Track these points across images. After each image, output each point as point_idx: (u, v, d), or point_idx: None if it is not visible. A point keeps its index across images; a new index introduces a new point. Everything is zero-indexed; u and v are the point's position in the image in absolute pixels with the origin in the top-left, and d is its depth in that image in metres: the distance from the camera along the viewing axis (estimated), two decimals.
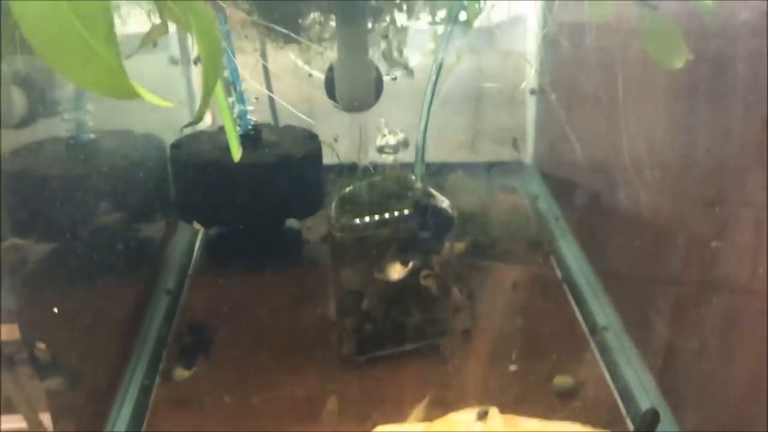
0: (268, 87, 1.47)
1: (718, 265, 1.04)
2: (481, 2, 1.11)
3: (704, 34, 0.96)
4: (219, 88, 0.63)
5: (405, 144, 1.13)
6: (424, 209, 1.05)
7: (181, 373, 1.05)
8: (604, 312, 1.17)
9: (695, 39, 0.96)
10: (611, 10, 1.02)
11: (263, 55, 1.44)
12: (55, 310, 0.93)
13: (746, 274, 0.95)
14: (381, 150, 1.12)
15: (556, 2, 1.25)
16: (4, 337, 0.85)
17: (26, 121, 1.31)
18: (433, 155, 1.44)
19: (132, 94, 0.49)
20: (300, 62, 1.46)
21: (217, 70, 0.63)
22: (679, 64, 0.91)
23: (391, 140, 1.11)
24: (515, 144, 1.57)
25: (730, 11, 0.91)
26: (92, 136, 1.32)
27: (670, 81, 1.10)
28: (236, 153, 0.69)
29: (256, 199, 1.26)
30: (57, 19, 0.44)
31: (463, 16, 1.08)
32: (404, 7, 1.16)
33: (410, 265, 1.04)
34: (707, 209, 1.06)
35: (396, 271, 1.04)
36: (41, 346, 0.88)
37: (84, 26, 0.44)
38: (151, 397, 1.01)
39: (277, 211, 1.32)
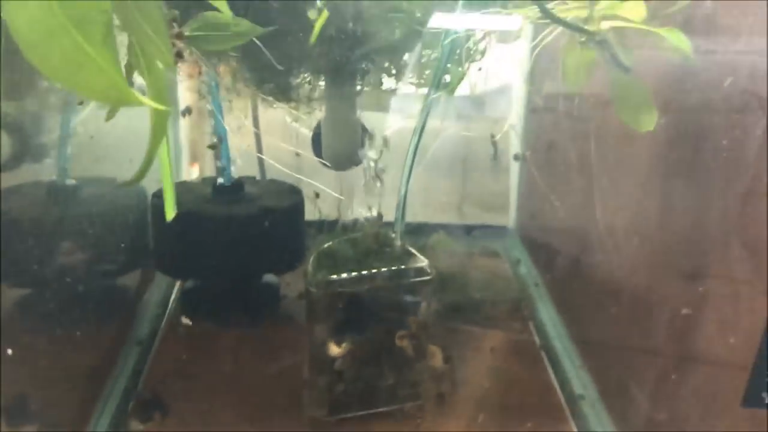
0: (257, 142, 1.48)
1: (697, 337, 1.04)
2: (465, 66, 1.13)
3: (685, 107, 0.99)
4: (164, 149, 0.64)
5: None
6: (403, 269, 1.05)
7: (136, 426, 1.02)
8: (580, 380, 1.16)
9: (675, 111, 0.99)
10: (585, 79, 1.04)
11: (254, 112, 1.46)
12: (9, 351, 0.91)
13: (724, 347, 0.95)
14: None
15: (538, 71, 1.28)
16: None
17: (10, 164, 1.30)
18: (417, 215, 1.45)
19: (129, 100, 0.48)
20: (288, 119, 1.48)
21: (163, 131, 0.63)
22: (649, 126, 0.94)
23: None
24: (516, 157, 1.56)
25: (710, 84, 0.93)
26: (73, 181, 1.31)
27: (650, 151, 1.12)
28: (170, 213, 0.69)
29: (234, 252, 1.25)
30: (49, 22, 0.43)
31: (446, 79, 1.10)
32: (393, 70, 1.18)
33: (344, 346, 1.03)
34: (686, 281, 1.06)
35: (333, 350, 1.02)
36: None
37: (78, 30, 0.44)
38: None
39: (256, 265, 1.30)
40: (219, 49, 1.15)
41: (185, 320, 1.09)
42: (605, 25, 0.85)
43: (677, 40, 0.84)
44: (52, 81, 0.52)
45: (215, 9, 0.71)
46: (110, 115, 0.82)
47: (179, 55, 0.87)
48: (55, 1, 0.43)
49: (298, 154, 1.40)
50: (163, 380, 1.12)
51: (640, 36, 0.88)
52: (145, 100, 0.51)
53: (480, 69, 1.15)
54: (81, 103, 1.21)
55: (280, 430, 1.04)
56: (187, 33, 0.82)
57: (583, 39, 0.89)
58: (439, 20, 1.09)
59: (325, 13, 0.94)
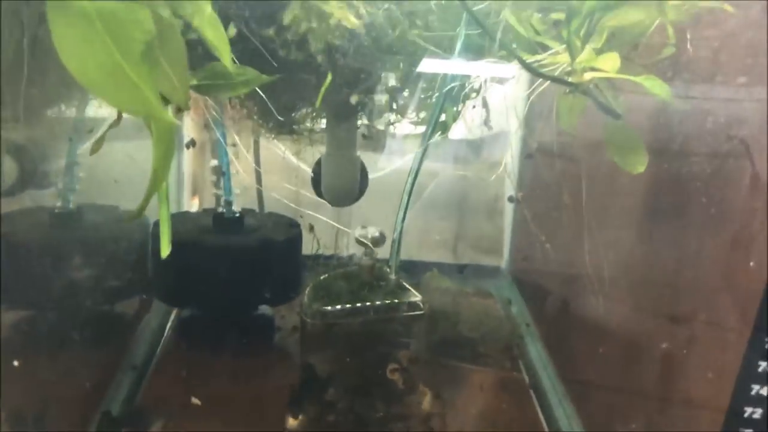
0: (257, 177, 1.52)
1: (681, 379, 1.06)
2: (459, 106, 1.17)
3: (674, 154, 1.02)
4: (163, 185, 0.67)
5: (382, 239, 1.17)
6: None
7: None
8: (568, 420, 1.17)
9: (665, 158, 1.02)
10: (578, 120, 1.08)
11: (255, 147, 1.50)
12: (15, 363, 0.92)
13: (709, 391, 0.96)
14: (358, 241, 1.15)
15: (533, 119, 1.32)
16: None
17: (15, 190, 1.33)
18: (411, 253, 1.48)
19: (158, 117, 0.52)
20: (290, 154, 1.52)
21: (165, 173, 0.66)
22: (640, 168, 0.98)
23: (370, 233, 1.14)
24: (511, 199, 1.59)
25: (697, 129, 0.97)
26: (76, 207, 1.34)
27: (638, 195, 1.15)
28: (165, 249, 0.72)
29: (232, 282, 1.27)
30: (89, 35, 0.46)
31: (443, 118, 1.14)
32: (394, 107, 1.22)
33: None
34: (672, 324, 1.09)
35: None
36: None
37: (116, 45, 0.47)
38: None
39: (252, 296, 1.32)
40: (225, 96, 1.20)
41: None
42: (588, 76, 0.89)
43: (655, 86, 0.88)
44: (91, 92, 0.55)
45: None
46: (95, 148, 0.85)
47: None
48: (98, 17, 0.46)
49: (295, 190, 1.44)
50: (155, 405, 1.13)
51: (629, 82, 0.92)
52: (174, 119, 0.54)
53: (474, 107, 1.19)
54: (91, 131, 1.24)
55: None
56: (194, 82, 0.86)
57: (567, 91, 0.94)
58: (435, 66, 1.13)
59: (329, 78, 0.98)
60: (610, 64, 0.86)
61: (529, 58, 0.94)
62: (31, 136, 1.34)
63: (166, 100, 0.70)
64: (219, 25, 0.65)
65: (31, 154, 1.34)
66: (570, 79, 0.90)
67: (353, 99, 1.17)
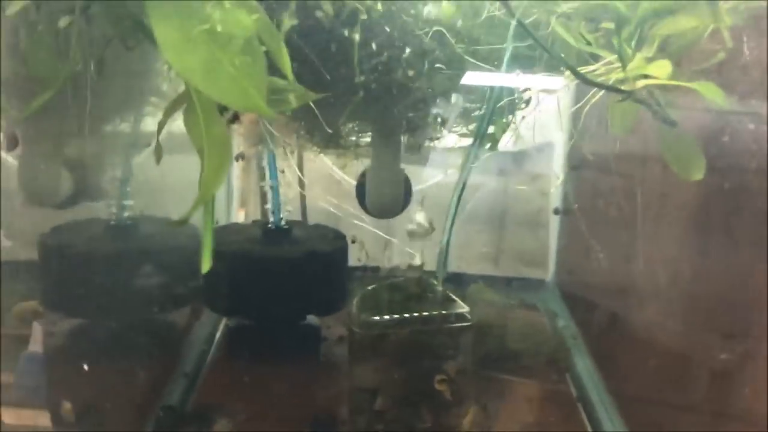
0: (302, 190, 1.54)
1: (734, 396, 1.04)
2: (509, 117, 1.17)
3: (725, 167, 1.01)
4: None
5: (431, 227, 1.17)
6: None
7: None
8: None
9: (717, 172, 1.01)
10: (632, 123, 1.07)
11: (299, 162, 1.52)
12: (86, 367, 0.96)
13: (764, 408, 0.95)
14: (410, 234, 1.16)
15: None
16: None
17: (70, 202, 1.38)
18: (456, 266, 1.48)
19: (258, 109, 0.57)
20: (335, 167, 1.54)
21: (216, 185, 0.70)
22: (698, 176, 0.96)
23: (420, 218, 1.15)
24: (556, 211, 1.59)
25: (751, 142, 0.96)
26: (130, 219, 1.38)
27: (690, 208, 1.14)
28: (206, 263, 0.74)
29: (280, 293, 1.29)
30: (189, 32, 0.49)
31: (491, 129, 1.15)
32: (439, 120, 1.23)
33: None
34: (725, 340, 1.07)
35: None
36: (67, 406, 0.90)
37: (215, 41, 0.49)
38: None
39: (300, 306, 1.34)
40: (275, 110, 1.22)
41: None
42: (640, 83, 0.89)
43: (710, 92, 0.86)
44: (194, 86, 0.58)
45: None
46: (158, 156, 0.88)
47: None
48: (196, 16, 0.50)
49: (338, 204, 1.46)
50: (206, 412, 1.16)
51: (679, 96, 0.91)
52: (271, 112, 0.57)
53: (524, 117, 1.19)
54: (149, 145, 1.28)
55: None
56: None
57: (621, 99, 0.93)
58: (482, 79, 1.14)
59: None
60: (662, 70, 0.85)
61: (581, 69, 0.94)
62: (87, 150, 1.39)
63: (221, 111, 0.72)
64: (278, 37, 0.67)
65: (86, 167, 1.39)
66: (623, 88, 0.90)
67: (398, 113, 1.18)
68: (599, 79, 0.93)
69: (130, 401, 1.15)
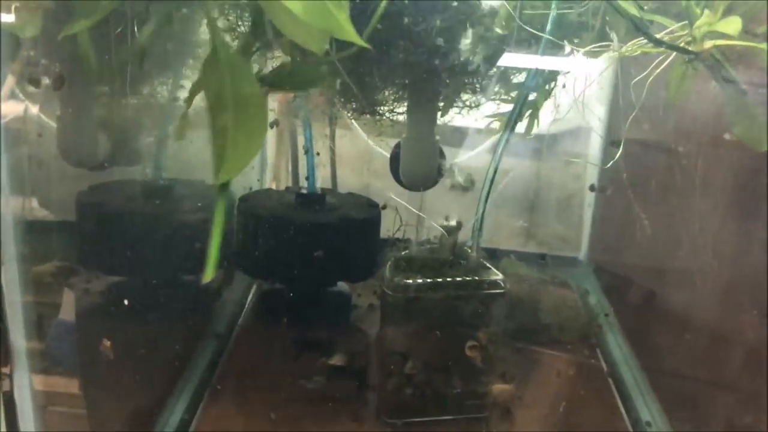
0: (332, 160, 1.54)
1: None
2: (552, 84, 1.16)
3: None
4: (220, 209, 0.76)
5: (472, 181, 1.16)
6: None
7: None
8: (648, 408, 1.15)
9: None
10: (688, 91, 1.05)
11: (332, 128, 1.52)
12: (108, 343, 0.97)
13: None
14: (453, 186, 1.15)
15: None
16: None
17: (107, 164, 1.39)
18: (489, 242, 1.47)
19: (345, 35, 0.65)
20: (367, 138, 1.53)
21: (256, 148, 0.73)
22: (764, 146, 0.94)
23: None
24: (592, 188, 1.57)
25: None
26: (165, 180, 1.40)
27: (728, 188, 1.12)
28: (209, 273, 0.75)
29: (312, 258, 1.29)
30: None
31: (532, 96, 1.13)
32: (478, 87, 1.22)
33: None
34: (761, 318, 1.05)
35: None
36: (107, 343, 0.91)
37: None
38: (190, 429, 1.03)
39: (332, 272, 1.34)
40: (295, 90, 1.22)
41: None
42: (709, 43, 0.86)
43: None
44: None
45: None
46: (179, 134, 0.89)
47: None
48: None
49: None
50: (237, 373, 1.17)
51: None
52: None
53: (564, 86, 1.17)
54: (186, 113, 1.28)
55: (349, 426, 1.06)
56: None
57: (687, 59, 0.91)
58: (524, 61, 1.12)
59: None
60: (732, 27, 0.82)
61: (638, 40, 0.92)
62: (124, 114, 1.40)
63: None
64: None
65: (123, 131, 1.41)
66: (690, 48, 0.87)
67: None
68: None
69: (162, 361, 1.16)
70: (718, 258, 1.15)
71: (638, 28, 0.89)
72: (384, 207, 1.39)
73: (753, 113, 0.95)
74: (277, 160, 1.70)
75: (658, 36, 0.92)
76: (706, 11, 0.85)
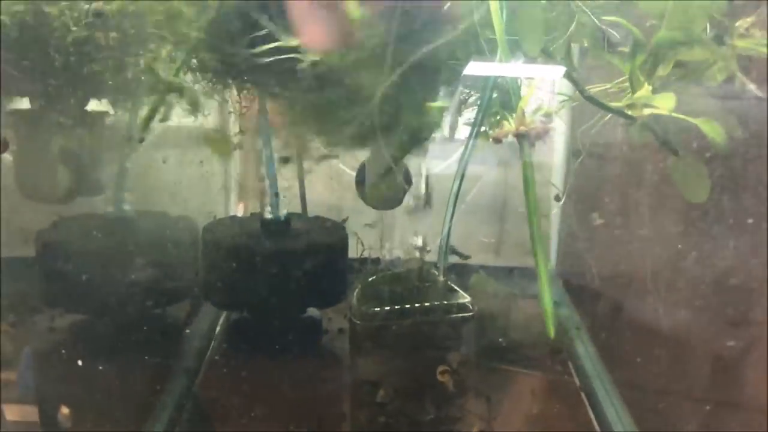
0: (301, 182, 1.53)
1: (743, 383, 1.04)
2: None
3: (732, 154, 1.00)
4: None
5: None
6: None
7: None
8: (621, 422, 1.15)
9: (724, 159, 1.00)
10: None
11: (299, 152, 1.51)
12: (80, 362, 0.95)
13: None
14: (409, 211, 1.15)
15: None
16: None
17: (68, 197, 1.37)
18: (456, 258, 1.47)
19: None
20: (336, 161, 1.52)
21: None
22: (701, 198, 1.00)
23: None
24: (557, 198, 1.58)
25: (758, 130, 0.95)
26: (128, 213, 1.37)
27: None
28: None
29: (280, 285, 1.28)
30: None
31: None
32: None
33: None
34: (730, 328, 1.06)
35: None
36: (65, 411, 0.89)
37: None
38: None
39: (300, 299, 1.33)
40: None
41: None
42: (646, 111, 0.92)
43: (710, 129, 0.92)
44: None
45: None
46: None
47: None
48: None
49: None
50: (208, 408, 1.15)
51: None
52: None
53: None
54: (142, 141, 1.27)
55: None
56: None
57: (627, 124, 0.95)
58: (479, 69, 1.12)
59: None
60: (666, 103, 0.89)
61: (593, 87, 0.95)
62: (83, 143, 1.38)
63: None
64: None
65: (83, 160, 1.38)
66: (630, 113, 0.91)
67: None
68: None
69: (129, 399, 1.14)
70: (684, 266, 1.16)
71: (577, 88, 0.92)
72: (345, 220, 1.39)
73: (693, 167, 1.00)
74: (243, 181, 1.67)
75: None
76: (646, 86, 0.89)
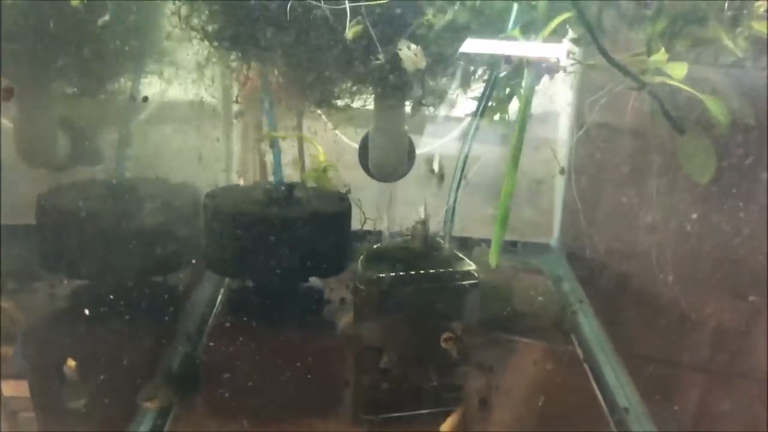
0: (301, 151, 1.51)
1: (746, 355, 1.03)
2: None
3: (739, 130, 0.99)
4: None
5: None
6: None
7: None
8: (625, 393, 1.15)
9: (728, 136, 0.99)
10: None
11: (299, 119, 1.49)
12: (87, 311, 0.94)
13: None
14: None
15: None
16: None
17: (68, 164, 1.35)
18: (460, 231, 1.46)
19: None
20: (332, 127, 1.50)
21: None
22: (706, 179, 1.00)
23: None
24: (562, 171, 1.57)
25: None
26: (129, 180, 1.36)
27: None
28: None
29: (283, 254, 1.27)
30: None
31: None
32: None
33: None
34: (734, 299, 1.06)
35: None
36: (71, 363, 0.89)
37: None
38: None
39: (303, 267, 1.31)
40: None
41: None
42: (657, 78, 0.92)
43: (715, 108, 0.92)
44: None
45: None
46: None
47: None
48: None
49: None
50: (209, 373, 1.14)
51: None
52: None
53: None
54: (146, 99, 1.25)
55: (322, 429, 1.04)
56: None
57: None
58: (485, 47, 1.11)
59: None
60: (678, 72, 0.89)
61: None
62: (85, 113, 1.36)
63: None
64: None
65: (84, 130, 1.37)
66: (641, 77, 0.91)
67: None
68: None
69: (132, 364, 1.13)
70: (689, 238, 1.15)
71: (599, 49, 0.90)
72: (348, 191, 1.38)
73: (701, 146, 0.99)
74: (244, 152, 1.66)
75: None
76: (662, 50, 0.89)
